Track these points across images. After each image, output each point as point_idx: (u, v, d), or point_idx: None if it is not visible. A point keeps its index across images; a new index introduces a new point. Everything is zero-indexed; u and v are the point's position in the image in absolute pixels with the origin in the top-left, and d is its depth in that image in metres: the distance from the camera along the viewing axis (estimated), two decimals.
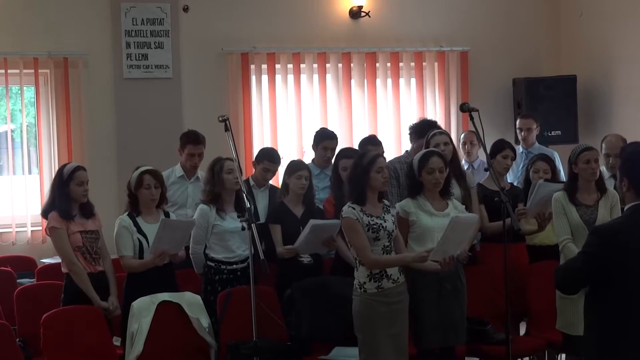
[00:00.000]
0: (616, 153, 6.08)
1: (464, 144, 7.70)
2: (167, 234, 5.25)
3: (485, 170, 6.41)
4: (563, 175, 6.56)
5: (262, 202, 6.13)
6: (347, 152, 6.01)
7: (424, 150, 5.39)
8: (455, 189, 5.58)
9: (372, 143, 6.40)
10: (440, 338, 5.13)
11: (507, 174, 6.73)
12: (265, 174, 6.20)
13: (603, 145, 6.32)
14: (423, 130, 6.18)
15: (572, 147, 5.80)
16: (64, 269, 5.39)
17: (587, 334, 3.71)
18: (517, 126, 7.57)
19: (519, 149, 7.43)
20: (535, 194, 5.65)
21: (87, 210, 5.46)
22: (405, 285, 4.94)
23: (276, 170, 6.35)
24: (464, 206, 5.34)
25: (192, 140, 6.48)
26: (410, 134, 6.42)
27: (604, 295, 3.58)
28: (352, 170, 5.01)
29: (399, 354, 4.85)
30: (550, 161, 6.24)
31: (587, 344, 3.71)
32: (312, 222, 5.39)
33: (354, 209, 4.82)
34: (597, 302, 3.63)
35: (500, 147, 6.07)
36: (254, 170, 6.37)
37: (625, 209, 3.64)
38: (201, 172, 6.50)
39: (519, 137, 7.51)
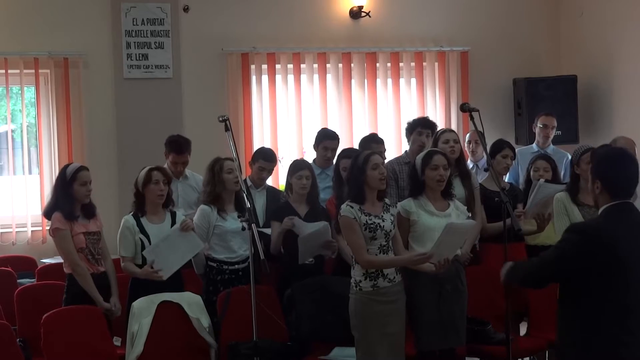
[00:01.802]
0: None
1: (469, 142, 7.68)
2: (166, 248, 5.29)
3: (485, 170, 6.41)
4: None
5: (260, 203, 6.12)
6: (348, 152, 5.99)
7: (427, 150, 5.40)
8: (459, 189, 5.58)
9: (374, 141, 6.36)
10: (440, 339, 5.12)
11: (519, 176, 6.72)
12: (261, 173, 6.20)
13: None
14: (412, 127, 6.17)
15: (573, 147, 5.80)
16: (66, 270, 5.39)
17: (566, 336, 3.62)
18: (541, 123, 7.38)
19: (534, 147, 7.39)
20: (535, 194, 5.64)
21: (89, 211, 5.46)
22: (402, 284, 4.93)
23: (272, 169, 6.34)
24: (465, 207, 5.32)
25: (175, 149, 6.45)
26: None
27: (580, 295, 3.51)
28: (350, 170, 5.02)
29: (394, 353, 4.84)
30: (550, 160, 6.23)
31: (565, 347, 3.63)
32: (300, 237, 5.40)
33: (352, 207, 4.81)
34: (574, 305, 3.56)
35: (500, 147, 6.06)
36: (250, 171, 6.36)
37: (600, 211, 3.63)
38: (188, 170, 6.51)
39: (539, 136, 7.37)
